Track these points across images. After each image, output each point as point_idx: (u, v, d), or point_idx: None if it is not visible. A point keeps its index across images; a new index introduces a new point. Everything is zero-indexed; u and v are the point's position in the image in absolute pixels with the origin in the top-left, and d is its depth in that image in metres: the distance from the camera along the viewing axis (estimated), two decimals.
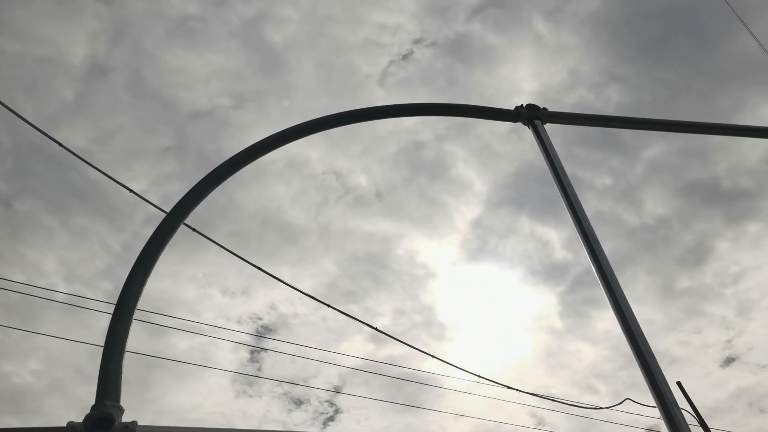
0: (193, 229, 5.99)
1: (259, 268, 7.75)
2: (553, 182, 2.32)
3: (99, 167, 6.33)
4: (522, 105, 2.45)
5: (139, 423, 1.27)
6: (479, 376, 9.04)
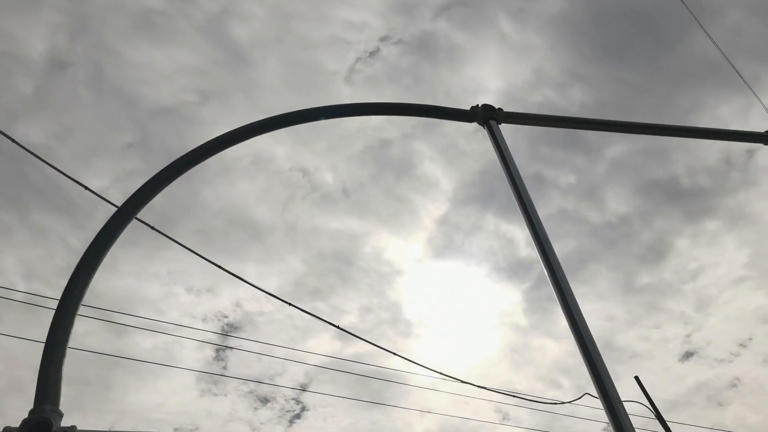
0: (155, 229, 5.90)
1: (222, 268, 7.68)
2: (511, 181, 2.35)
3: (58, 163, 6.18)
4: (477, 105, 2.46)
5: (95, 428, 1.25)
6: (443, 374, 9.11)
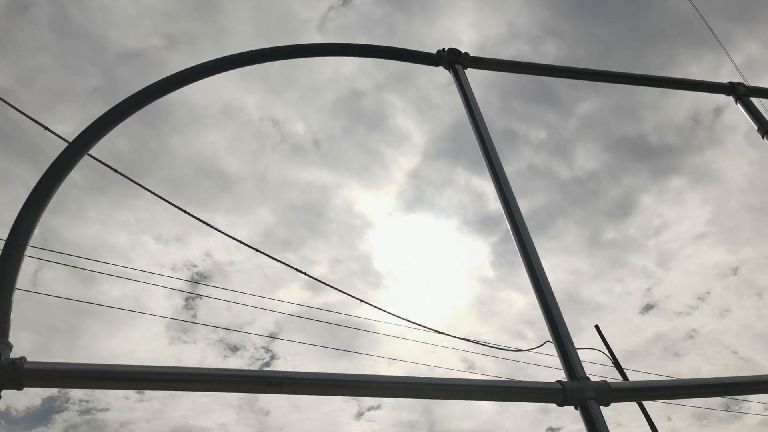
0: (119, 173, 5.79)
1: (192, 215, 7.60)
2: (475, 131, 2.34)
3: (21, 108, 5.99)
4: (444, 49, 2.43)
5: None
6: (409, 321, 9.26)
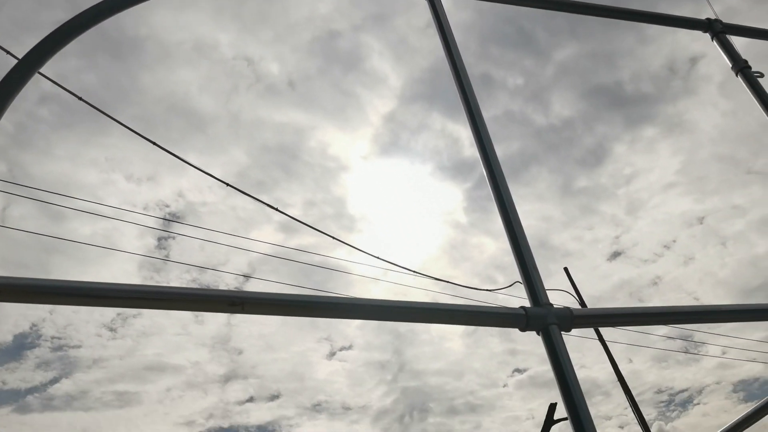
0: (84, 101, 5.61)
1: (165, 149, 7.46)
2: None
3: None
4: None
5: None
6: (381, 259, 9.35)
